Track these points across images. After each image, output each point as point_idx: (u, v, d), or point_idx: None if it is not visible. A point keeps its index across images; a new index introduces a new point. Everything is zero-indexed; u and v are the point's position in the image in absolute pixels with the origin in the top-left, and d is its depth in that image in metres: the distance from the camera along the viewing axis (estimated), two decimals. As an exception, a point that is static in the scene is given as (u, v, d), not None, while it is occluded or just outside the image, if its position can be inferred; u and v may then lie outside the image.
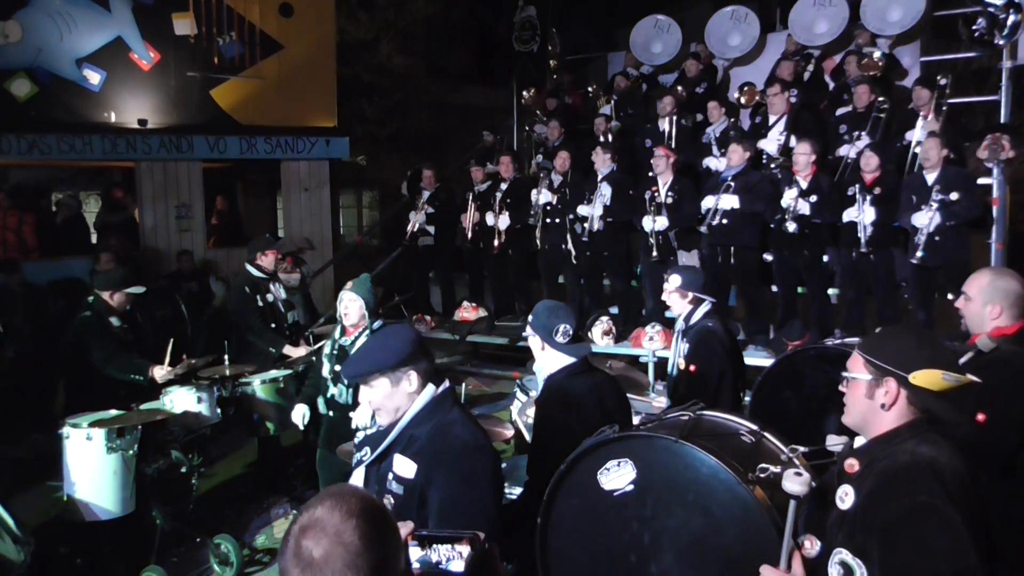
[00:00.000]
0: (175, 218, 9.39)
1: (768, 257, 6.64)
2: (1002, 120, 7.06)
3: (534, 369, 3.16)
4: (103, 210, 10.33)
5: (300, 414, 4.36)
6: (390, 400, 2.32)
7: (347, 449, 3.34)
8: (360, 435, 2.59)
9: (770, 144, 7.14)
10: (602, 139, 8.17)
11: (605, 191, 7.12)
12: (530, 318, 3.07)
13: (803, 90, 8.01)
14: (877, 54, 7.48)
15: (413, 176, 9.20)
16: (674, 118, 7.85)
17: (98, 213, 10.50)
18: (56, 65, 8.63)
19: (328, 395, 4.22)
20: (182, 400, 4.51)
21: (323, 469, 4.29)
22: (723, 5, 9.06)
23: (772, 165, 6.92)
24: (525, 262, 8.20)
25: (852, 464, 1.87)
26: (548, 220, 7.67)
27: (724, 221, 6.50)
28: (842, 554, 1.78)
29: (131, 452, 4.09)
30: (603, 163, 7.21)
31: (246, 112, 9.65)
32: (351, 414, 3.89)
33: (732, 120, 7.78)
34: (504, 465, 3.88)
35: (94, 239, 9.79)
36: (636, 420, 3.03)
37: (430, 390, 2.34)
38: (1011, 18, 6.39)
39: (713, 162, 7.47)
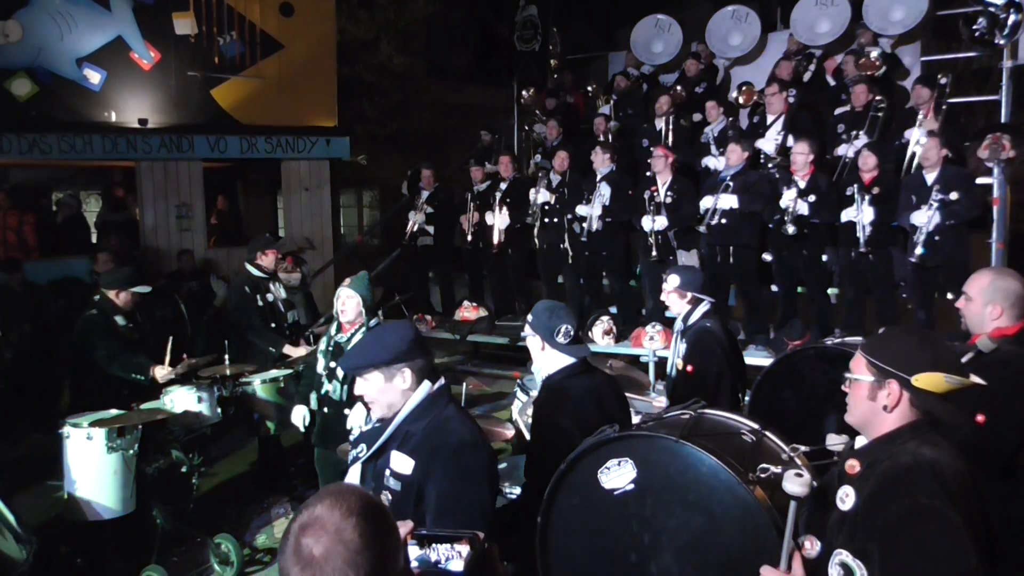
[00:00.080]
0: (175, 217, 9.38)
1: (767, 257, 6.64)
2: (1002, 120, 7.06)
3: (533, 370, 3.16)
4: (104, 209, 10.34)
5: (300, 416, 4.36)
6: (383, 395, 2.34)
7: (347, 448, 3.35)
8: (355, 432, 2.60)
9: (768, 144, 7.14)
10: (601, 139, 8.18)
11: (604, 191, 7.13)
12: (530, 318, 3.06)
13: (804, 90, 8.01)
14: (874, 53, 7.48)
15: (413, 176, 9.20)
16: (671, 117, 7.85)
17: (99, 212, 10.52)
18: (56, 65, 8.62)
19: (323, 392, 4.22)
20: (182, 400, 4.51)
21: (322, 468, 4.30)
22: (724, 5, 9.05)
23: (770, 165, 6.92)
24: (524, 262, 8.21)
25: (853, 465, 1.87)
26: (546, 220, 7.68)
27: (723, 221, 6.49)
28: (842, 555, 1.78)
29: (131, 451, 4.09)
30: (602, 163, 7.21)
31: (246, 112, 9.65)
32: (346, 411, 3.89)
33: (730, 120, 7.78)
34: (504, 465, 3.90)
35: (94, 239, 9.80)
36: (636, 420, 3.04)
37: (426, 387, 2.36)
38: (1011, 18, 6.38)
39: (712, 161, 7.47)
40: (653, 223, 6.80)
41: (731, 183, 6.50)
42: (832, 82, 8.05)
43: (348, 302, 4.14)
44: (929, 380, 1.80)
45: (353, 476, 2.49)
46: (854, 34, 8.12)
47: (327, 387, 4.19)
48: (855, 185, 6.12)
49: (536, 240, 7.84)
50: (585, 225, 7.20)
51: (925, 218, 5.76)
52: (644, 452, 2.38)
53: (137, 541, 4.20)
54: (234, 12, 9.49)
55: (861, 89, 6.96)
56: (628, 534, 2.37)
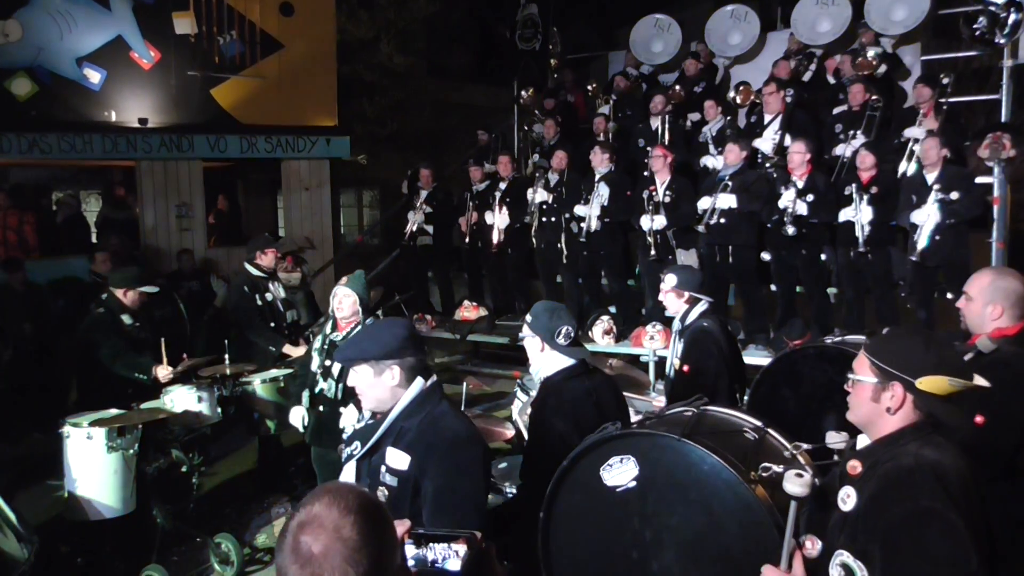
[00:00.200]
0: (175, 217, 9.38)
1: (766, 256, 6.64)
2: (1003, 119, 7.06)
3: (531, 371, 3.15)
4: (105, 207, 10.34)
5: (299, 416, 4.35)
6: (371, 389, 2.37)
7: (346, 448, 3.35)
8: (348, 430, 2.61)
9: (765, 143, 7.14)
10: (600, 138, 8.18)
11: (603, 191, 7.13)
12: (528, 319, 3.05)
13: (805, 89, 8.02)
14: (871, 53, 7.48)
15: (412, 176, 9.20)
16: (666, 117, 7.84)
17: (100, 210, 10.51)
18: (56, 64, 8.62)
19: (317, 390, 4.22)
20: (183, 399, 4.51)
21: (320, 467, 4.30)
22: (723, 4, 9.05)
23: (767, 164, 6.92)
24: (524, 261, 8.21)
25: (855, 466, 1.87)
26: (544, 219, 7.68)
27: (722, 220, 6.49)
28: (843, 556, 1.79)
29: (132, 451, 4.09)
30: (601, 163, 7.21)
31: (246, 111, 9.64)
32: (341, 409, 3.89)
33: (728, 119, 7.77)
34: (504, 465, 3.91)
35: (94, 238, 9.80)
36: (635, 419, 3.03)
37: (419, 384, 2.38)
38: (1012, 17, 6.39)
39: (710, 161, 7.47)
40: (652, 223, 6.80)
41: (729, 183, 6.50)
42: (833, 82, 8.05)
43: (345, 300, 4.16)
44: (933, 383, 1.80)
45: (348, 473, 2.50)
46: (855, 34, 8.11)
47: (322, 385, 4.19)
48: (853, 185, 6.12)
49: (534, 240, 7.84)
50: (584, 225, 7.20)
51: (925, 217, 5.76)
52: (646, 450, 2.38)
53: (137, 540, 4.21)
54: (234, 12, 9.49)
55: (858, 89, 6.97)
56: (630, 531, 2.38)
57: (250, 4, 9.58)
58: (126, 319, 4.92)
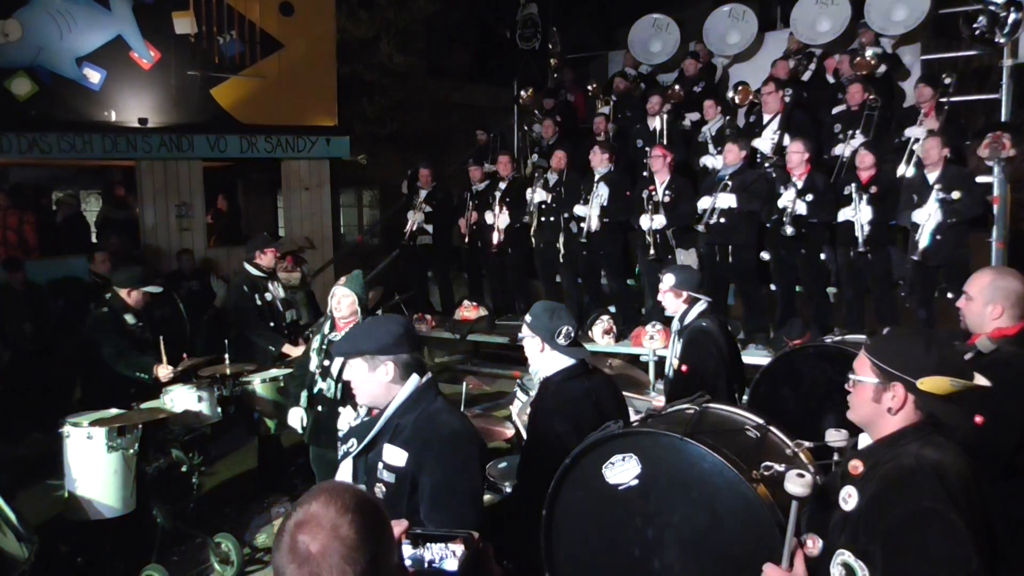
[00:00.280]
0: (175, 217, 9.39)
1: (765, 256, 6.64)
2: (1002, 118, 7.06)
3: (531, 371, 3.15)
4: (106, 207, 10.34)
5: (297, 418, 4.35)
6: (365, 384, 2.39)
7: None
8: (342, 425, 2.62)
9: (764, 143, 7.14)
10: (600, 138, 8.18)
11: (602, 191, 7.13)
12: (528, 319, 3.05)
13: (805, 89, 8.01)
14: (869, 53, 7.48)
15: (412, 176, 9.21)
16: (663, 117, 7.85)
17: (100, 210, 10.52)
18: (56, 64, 8.62)
19: (316, 390, 4.22)
20: (183, 399, 4.52)
21: (318, 467, 4.30)
22: (722, 3, 9.05)
23: (766, 164, 6.92)
24: (524, 261, 8.21)
25: (856, 466, 1.88)
26: (543, 219, 7.68)
27: (722, 220, 6.49)
28: (844, 555, 1.79)
29: (132, 451, 4.10)
30: (600, 163, 7.21)
31: (246, 111, 9.64)
32: (340, 409, 3.90)
33: (728, 118, 7.78)
34: (504, 464, 3.91)
35: (94, 238, 9.80)
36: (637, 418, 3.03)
37: (414, 380, 2.39)
38: (1012, 16, 6.38)
39: (710, 161, 7.47)
40: (651, 222, 6.80)
41: (729, 182, 6.50)
42: (832, 81, 8.05)
43: (343, 300, 4.16)
44: (934, 383, 1.80)
45: (345, 471, 2.51)
46: (855, 33, 8.11)
47: (321, 385, 4.19)
48: (853, 184, 6.12)
49: (533, 239, 7.85)
50: (584, 225, 7.20)
51: (926, 216, 5.76)
52: (648, 448, 2.39)
53: (137, 540, 4.21)
54: (234, 11, 9.49)
55: (856, 88, 6.97)
56: (632, 529, 2.38)
57: (250, 4, 9.58)
58: (129, 319, 4.94)
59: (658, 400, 4.41)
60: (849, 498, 1.84)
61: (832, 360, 3.60)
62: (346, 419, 3.68)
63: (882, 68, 7.55)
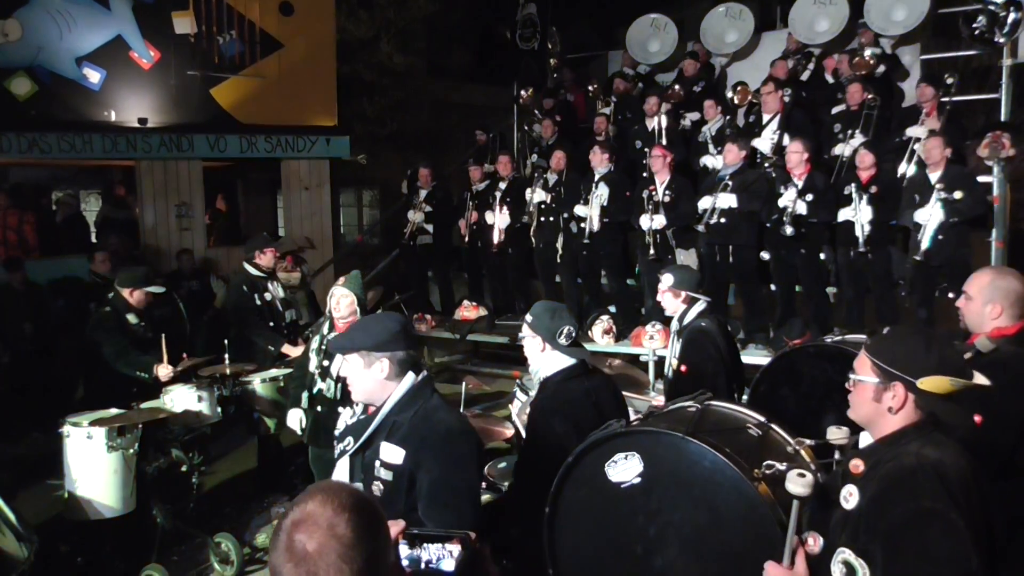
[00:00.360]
0: (175, 217, 9.39)
1: (765, 255, 6.64)
2: (1002, 118, 7.06)
3: (531, 371, 3.15)
4: (105, 206, 10.34)
5: (296, 419, 4.35)
6: (360, 381, 2.40)
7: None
8: (341, 425, 2.62)
9: (763, 143, 7.14)
10: (600, 138, 8.18)
11: (602, 191, 7.13)
12: (529, 319, 3.05)
13: (803, 89, 8.01)
14: (868, 52, 7.48)
15: (412, 175, 9.21)
16: (661, 117, 7.85)
17: (100, 209, 10.51)
18: (56, 64, 8.62)
19: (316, 391, 4.22)
20: (182, 399, 4.52)
21: (318, 467, 4.30)
22: (720, 2, 9.05)
23: (766, 164, 6.92)
24: (524, 261, 8.21)
25: (857, 464, 1.89)
26: (542, 219, 7.68)
27: (722, 220, 6.49)
28: (845, 553, 1.80)
29: (131, 451, 4.10)
30: (600, 163, 7.21)
31: (246, 111, 9.64)
32: (340, 409, 3.90)
33: (728, 118, 7.78)
34: (503, 464, 3.91)
35: (94, 238, 9.80)
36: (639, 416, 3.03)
37: (410, 378, 2.40)
38: (1011, 16, 6.39)
39: (710, 161, 7.47)
40: (651, 222, 6.80)
41: (729, 182, 6.50)
42: (832, 81, 8.05)
43: (343, 300, 4.16)
44: (934, 383, 1.81)
45: (342, 469, 2.51)
46: (854, 33, 8.12)
47: (320, 385, 4.20)
48: (853, 184, 6.12)
49: (533, 239, 7.85)
50: (585, 225, 7.20)
51: (928, 216, 5.75)
52: (651, 447, 2.40)
53: (137, 540, 4.21)
54: (234, 11, 9.48)
55: (856, 88, 6.97)
56: (634, 526, 2.40)
57: (250, 3, 9.58)
58: (131, 318, 4.95)
59: (658, 400, 4.40)
60: (850, 497, 1.85)
61: (832, 360, 3.60)
62: (345, 420, 3.69)
63: (881, 68, 7.55)
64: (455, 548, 1.55)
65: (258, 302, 5.54)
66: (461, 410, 4.28)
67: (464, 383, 4.92)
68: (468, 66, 15.16)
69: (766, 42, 9.08)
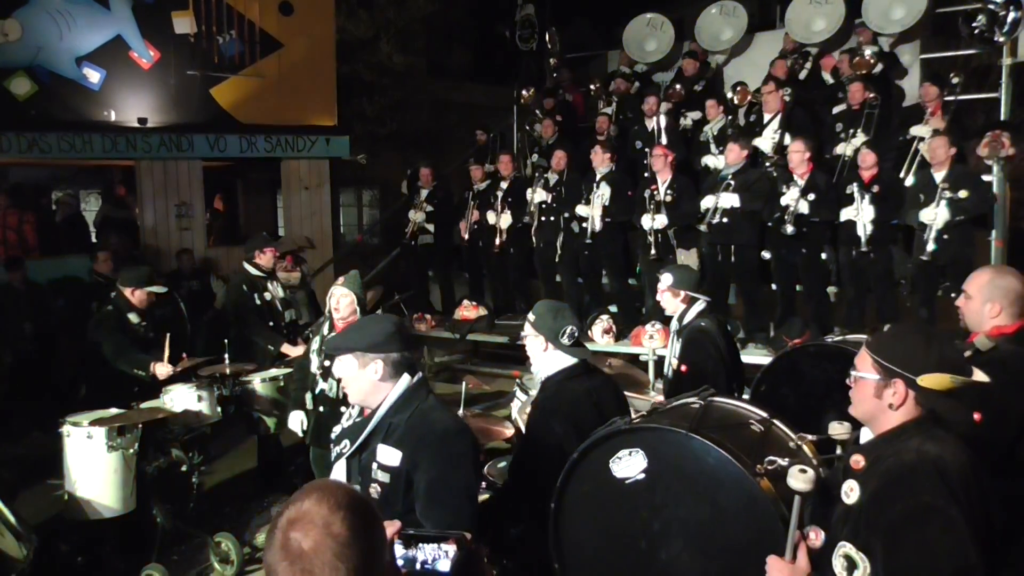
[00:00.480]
0: (175, 217, 9.39)
1: (766, 255, 6.64)
2: (1002, 117, 7.05)
3: (532, 370, 3.15)
4: (105, 206, 10.34)
5: (297, 421, 4.35)
6: (354, 381, 2.41)
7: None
8: (337, 429, 2.63)
9: (765, 142, 7.14)
10: (601, 138, 8.18)
11: (604, 191, 7.12)
12: (532, 318, 3.04)
13: (801, 88, 8.01)
14: (868, 52, 7.48)
15: (412, 175, 9.20)
16: (661, 117, 7.85)
17: (99, 208, 10.51)
18: (56, 63, 8.62)
19: (318, 391, 4.22)
20: (182, 398, 4.52)
21: (319, 468, 4.29)
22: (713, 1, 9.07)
23: (767, 164, 6.92)
24: (525, 261, 8.21)
25: (858, 460, 1.91)
26: (543, 219, 7.68)
27: (724, 220, 6.49)
28: (846, 547, 1.82)
29: (131, 450, 4.09)
30: (602, 162, 7.21)
31: (246, 111, 9.64)
32: (342, 409, 3.89)
33: (730, 118, 7.78)
34: (503, 464, 3.90)
35: (94, 237, 9.80)
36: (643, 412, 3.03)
37: (405, 380, 2.40)
38: (1011, 15, 6.38)
39: (711, 160, 7.47)
40: (653, 222, 6.80)
41: (732, 182, 6.49)
42: (831, 80, 8.05)
43: (342, 300, 4.15)
44: (934, 380, 1.83)
45: (339, 472, 2.52)
46: (850, 32, 8.11)
47: (322, 386, 4.19)
48: (855, 184, 6.11)
49: (533, 239, 7.85)
50: (586, 225, 7.20)
51: (933, 216, 5.75)
52: (654, 443, 2.43)
53: (137, 540, 4.21)
54: (233, 11, 9.48)
55: (857, 87, 6.96)
56: (639, 521, 2.42)
57: (249, 3, 9.58)
58: (133, 318, 4.95)
59: (658, 400, 4.40)
60: (851, 492, 1.87)
61: (833, 360, 3.60)
62: (346, 421, 3.68)
63: (879, 67, 7.55)
64: (451, 548, 1.55)
65: (258, 302, 5.54)
66: (461, 410, 4.28)
67: (464, 383, 4.91)
68: (468, 66, 15.17)
69: (763, 41, 9.09)
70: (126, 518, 4.12)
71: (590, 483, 2.52)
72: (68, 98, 8.75)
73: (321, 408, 4.21)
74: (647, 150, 7.41)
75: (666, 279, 4.08)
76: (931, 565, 1.69)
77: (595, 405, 2.94)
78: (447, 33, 14.59)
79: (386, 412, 2.38)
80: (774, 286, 6.77)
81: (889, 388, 1.88)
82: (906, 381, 1.86)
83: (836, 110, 7.32)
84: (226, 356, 4.88)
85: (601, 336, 7.06)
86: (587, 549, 2.56)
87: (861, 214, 6.03)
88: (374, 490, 2.34)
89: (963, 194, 5.67)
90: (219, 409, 4.67)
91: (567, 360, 2.98)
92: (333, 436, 2.63)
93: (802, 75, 8.30)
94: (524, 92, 9.75)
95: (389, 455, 2.34)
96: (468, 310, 7.94)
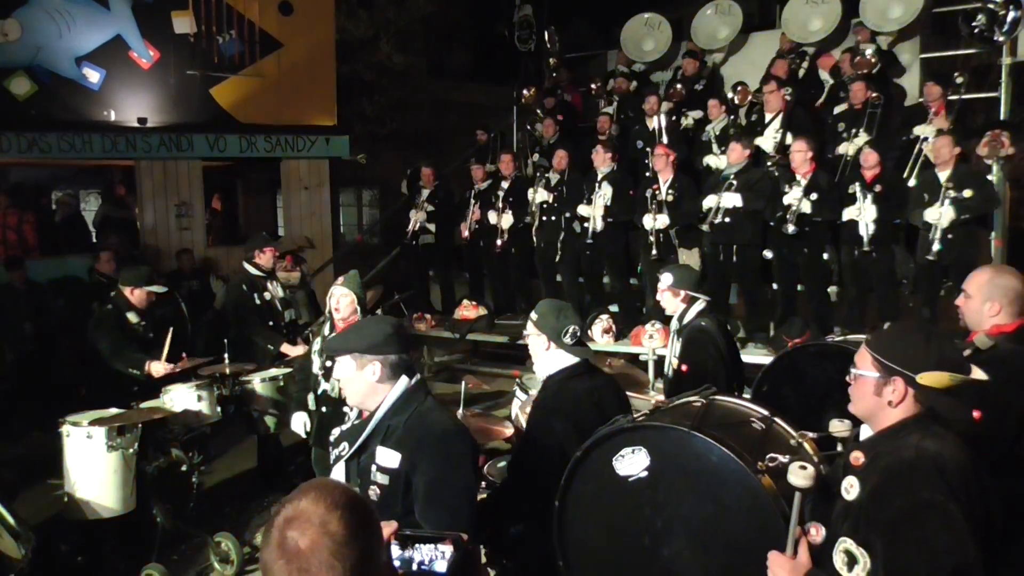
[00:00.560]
0: (175, 216, 9.39)
1: (768, 254, 6.64)
2: (1001, 117, 7.05)
3: (534, 368, 3.15)
4: (105, 206, 10.34)
5: (300, 422, 4.34)
6: (352, 383, 2.41)
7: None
8: (336, 432, 2.62)
9: (766, 142, 7.14)
10: (603, 137, 8.17)
11: (606, 191, 7.12)
12: (534, 317, 3.03)
13: (798, 87, 8.01)
14: (869, 51, 7.48)
15: (412, 175, 9.20)
16: (660, 117, 7.84)
17: (99, 208, 10.51)
18: (56, 63, 8.62)
19: (319, 391, 4.22)
20: (182, 398, 4.52)
21: (320, 468, 4.28)
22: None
23: (769, 163, 6.92)
24: (526, 261, 8.21)
25: (858, 457, 1.92)
26: (544, 219, 7.68)
27: (726, 219, 6.49)
28: (846, 543, 1.84)
29: (131, 450, 4.09)
30: (603, 162, 7.21)
31: (246, 110, 9.64)
32: (345, 408, 3.89)
33: (732, 118, 7.78)
34: (503, 464, 3.90)
35: (94, 237, 9.80)
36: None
37: (403, 382, 2.40)
38: (1011, 14, 6.39)
39: (713, 160, 7.46)
40: (654, 221, 6.80)
41: (734, 181, 6.49)
42: (831, 80, 8.05)
43: (342, 300, 4.15)
44: (934, 378, 1.84)
45: (337, 474, 2.52)
46: (847, 31, 8.11)
47: (324, 386, 4.18)
48: (857, 183, 6.11)
49: (535, 239, 7.84)
50: (587, 225, 7.19)
51: (938, 215, 5.74)
52: (657, 441, 2.44)
53: (137, 540, 4.21)
54: (233, 11, 9.48)
55: (859, 87, 6.95)
56: (642, 519, 2.44)
57: (249, 3, 9.58)
58: (132, 317, 4.95)
59: (658, 400, 4.40)
60: (851, 488, 1.89)
61: (834, 359, 3.60)
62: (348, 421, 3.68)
63: (878, 66, 7.54)
64: (447, 549, 1.55)
65: (257, 301, 5.53)
66: (461, 409, 4.27)
67: (464, 382, 4.90)
68: (468, 66, 15.18)
69: (760, 41, 9.09)
70: (126, 518, 4.11)
71: (593, 481, 2.54)
72: (68, 98, 8.75)
73: (323, 409, 4.21)
74: (648, 150, 7.41)
75: (666, 279, 4.07)
76: (930, 560, 1.70)
77: (596, 405, 2.94)
78: (447, 33, 14.59)
79: (384, 414, 2.39)
80: (775, 286, 6.77)
81: (889, 386, 1.90)
82: (905, 379, 1.88)
83: (837, 110, 7.32)
84: (226, 356, 4.87)
85: (601, 336, 7.06)
86: (591, 546, 2.58)
87: (863, 214, 6.03)
88: (373, 492, 2.34)
89: (967, 193, 5.67)
90: (219, 409, 4.67)
91: (569, 359, 2.98)
92: (332, 439, 2.62)
93: (799, 74, 8.29)
94: (525, 92, 9.75)
95: (388, 457, 2.34)
96: (468, 310, 7.94)
